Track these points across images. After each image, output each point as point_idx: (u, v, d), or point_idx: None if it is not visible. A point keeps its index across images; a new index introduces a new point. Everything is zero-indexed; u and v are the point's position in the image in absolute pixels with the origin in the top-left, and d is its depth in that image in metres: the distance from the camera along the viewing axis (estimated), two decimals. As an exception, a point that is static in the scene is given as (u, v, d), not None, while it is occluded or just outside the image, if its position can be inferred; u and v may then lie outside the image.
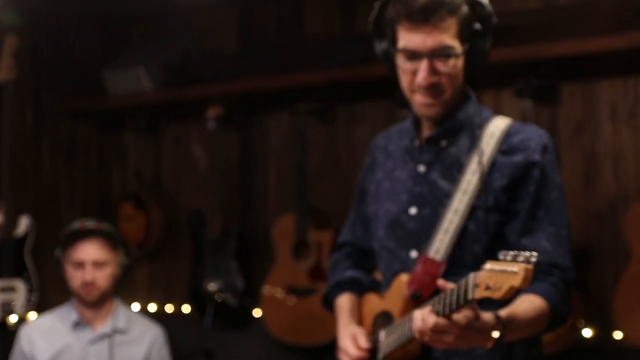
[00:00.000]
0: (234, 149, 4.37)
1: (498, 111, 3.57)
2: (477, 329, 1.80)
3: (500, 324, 1.82)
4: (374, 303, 2.27)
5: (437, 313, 1.83)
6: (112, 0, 4.26)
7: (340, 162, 4.07)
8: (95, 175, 4.76)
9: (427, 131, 2.17)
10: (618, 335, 3.32)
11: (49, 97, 4.55)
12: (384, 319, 2.19)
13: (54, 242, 3.55)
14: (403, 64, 2.06)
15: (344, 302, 2.31)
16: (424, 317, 1.83)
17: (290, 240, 3.95)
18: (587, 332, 3.37)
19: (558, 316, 2.01)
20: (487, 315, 1.82)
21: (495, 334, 1.80)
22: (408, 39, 2.02)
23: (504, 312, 1.86)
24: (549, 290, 1.99)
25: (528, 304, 1.94)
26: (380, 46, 2.14)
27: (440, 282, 1.87)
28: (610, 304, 3.28)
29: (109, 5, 4.35)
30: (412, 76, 2.05)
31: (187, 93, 4.28)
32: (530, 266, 1.63)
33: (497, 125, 2.12)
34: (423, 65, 2.01)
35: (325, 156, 4.11)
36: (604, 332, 3.37)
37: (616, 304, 3.24)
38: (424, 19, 1.99)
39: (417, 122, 2.19)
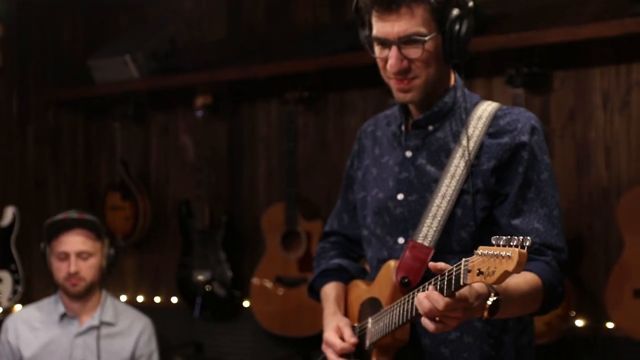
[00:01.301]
0: (222, 138, 4.33)
1: (490, 99, 3.52)
2: (474, 299, 1.77)
3: (492, 290, 1.79)
4: (361, 290, 2.24)
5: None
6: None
7: (330, 151, 4.04)
8: (81, 165, 4.72)
9: (414, 116, 2.16)
10: (610, 325, 3.31)
11: (35, 86, 4.50)
12: (372, 306, 2.16)
13: (40, 232, 3.51)
14: (377, 52, 2.08)
15: (330, 290, 2.29)
16: (431, 297, 1.76)
17: (279, 231, 3.92)
18: (579, 322, 3.36)
19: (553, 295, 1.98)
20: (477, 284, 1.77)
21: (490, 301, 1.77)
22: (378, 27, 2.04)
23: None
24: (542, 268, 1.97)
25: (521, 278, 1.90)
26: (362, 34, 2.14)
27: (431, 264, 1.83)
28: (603, 294, 3.27)
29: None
30: (385, 63, 2.06)
31: (175, 81, 4.24)
32: (524, 250, 1.60)
33: (485, 109, 2.11)
34: (392, 53, 2.03)
35: (314, 145, 4.08)
36: (596, 322, 3.36)
37: (608, 294, 3.23)
38: (389, 8, 2.00)
39: (404, 108, 2.18)
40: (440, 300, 1.74)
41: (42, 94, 4.51)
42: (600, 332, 3.35)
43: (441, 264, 1.80)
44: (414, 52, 2.02)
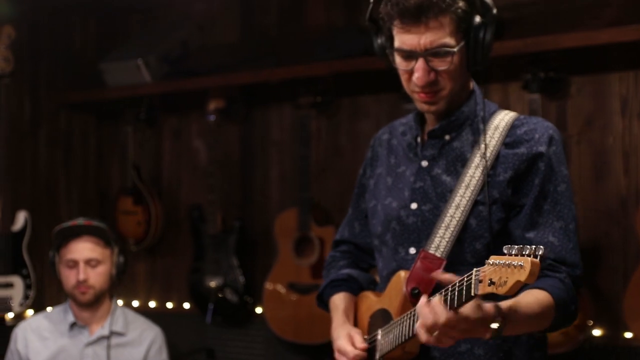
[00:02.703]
0: (234, 143, 4.30)
1: (505, 105, 3.52)
2: (478, 319, 1.73)
3: (500, 314, 1.75)
4: (371, 301, 2.21)
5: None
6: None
7: (343, 156, 4.00)
8: (93, 169, 4.70)
9: (430, 125, 2.13)
10: (628, 335, 3.25)
11: (47, 89, 4.49)
12: (382, 318, 2.12)
13: (51, 237, 3.48)
14: (400, 64, 2.03)
15: (339, 301, 2.26)
16: (434, 310, 1.73)
17: (292, 236, 3.88)
18: (596, 332, 3.30)
19: (565, 313, 1.94)
20: (487, 306, 1.74)
21: (494, 325, 1.72)
22: (402, 39, 1.99)
23: (505, 304, 1.79)
24: (555, 286, 1.93)
25: (531, 298, 1.87)
26: (377, 42, 2.10)
27: (434, 273, 1.79)
28: (621, 303, 3.21)
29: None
30: (410, 75, 2.02)
31: (187, 85, 4.21)
32: (537, 260, 1.56)
33: (502, 119, 2.08)
34: (419, 65, 1.98)
35: (327, 150, 4.04)
36: (613, 332, 3.30)
37: (626, 304, 3.17)
38: (416, 19, 1.95)
39: (420, 117, 2.14)
40: (442, 314, 1.71)
41: (54, 97, 4.50)
42: (618, 341, 3.29)
43: (447, 275, 1.76)
44: (442, 64, 1.98)
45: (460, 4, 1.96)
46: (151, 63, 4.22)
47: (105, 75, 4.36)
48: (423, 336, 1.76)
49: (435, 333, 1.75)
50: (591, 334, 3.30)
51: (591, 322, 3.28)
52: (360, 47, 3.67)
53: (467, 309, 1.71)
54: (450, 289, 1.74)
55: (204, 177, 4.23)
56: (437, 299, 1.74)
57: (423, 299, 1.78)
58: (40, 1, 4.28)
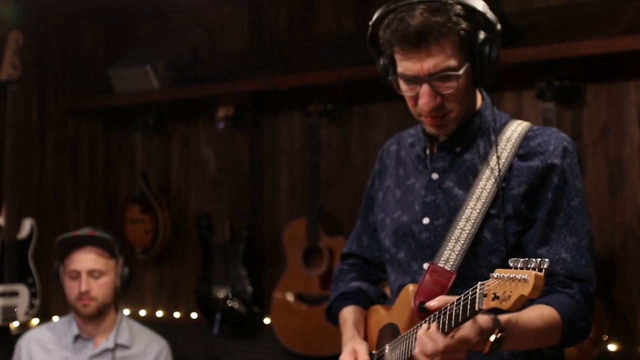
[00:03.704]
0: (243, 151, 4.25)
1: (519, 113, 3.46)
2: (478, 339, 1.70)
3: (498, 327, 1.71)
4: (380, 315, 2.15)
5: (443, 326, 1.72)
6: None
7: (354, 165, 3.94)
8: (101, 177, 4.66)
9: (441, 137, 2.06)
10: (644, 350, 3.18)
11: (54, 95, 4.45)
12: (390, 332, 2.07)
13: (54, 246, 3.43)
14: (405, 90, 1.97)
15: (348, 314, 2.20)
16: (432, 338, 1.71)
17: (301, 246, 3.83)
18: (611, 347, 3.24)
19: (573, 330, 1.89)
20: (485, 319, 1.71)
21: (492, 338, 1.69)
22: (405, 65, 1.92)
23: (504, 316, 1.75)
24: (563, 302, 1.88)
25: (535, 313, 1.83)
26: (379, 65, 2.04)
27: (428, 304, 1.76)
28: (636, 318, 3.14)
29: (116, 2, 4.24)
30: (416, 101, 1.96)
31: (196, 92, 4.17)
32: (540, 273, 1.52)
33: (515, 129, 2.01)
34: (423, 91, 1.92)
35: (337, 159, 3.98)
36: (629, 347, 3.23)
37: (642, 318, 3.10)
38: (416, 45, 1.89)
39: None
40: (440, 341, 1.68)
41: (62, 103, 4.46)
42: (634, 357, 3.23)
43: (435, 304, 1.74)
44: (447, 88, 1.92)
45: (463, 25, 1.90)
46: (160, 70, 4.18)
47: (114, 81, 4.32)
48: None
49: (437, 359, 1.72)
50: (606, 348, 3.23)
51: (606, 337, 3.21)
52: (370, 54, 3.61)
53: (466, 330, 1.68)
54: (455, 303, 1.70)
55: (212, 185, 4.19)
56: (434, 328, 1.72)
57: (424, 326, 1.76)
58: (48, 7, 4.26)
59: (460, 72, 1.90)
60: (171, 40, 4.35)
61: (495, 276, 1.57)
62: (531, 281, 1.50)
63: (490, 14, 1.95)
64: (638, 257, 3.26)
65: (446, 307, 1.72)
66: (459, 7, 1.90)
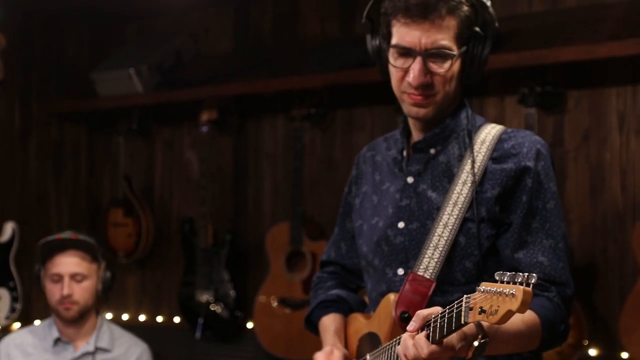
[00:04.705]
0: (227, 154, 4.24)
1: (502, 119, 3.47)
2: (461, 345, 1.68)
3: (481, 332, 1.69)
4: (360, 324, 2.13)
5: (427, 337, 1.69)
6: (104, 0, 4.14)
7: (337, 169, 3.94)
8: (84, 180, 4.64)
9: (416, 138, 2.05)
10: (624, 355, 3.19)
11: (37, 98, 4.43)
12: (370, 342, 2.05)
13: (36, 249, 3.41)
14: (395, 61, 1.95)
15: (329, 322, 2.18)
16: (417, 344, 1.69)
17: (284, 251, 3.83)
18: (592, 352, 3.25)
19: (552, 333, 1.88)
20: (468, 325, 1.68)
21: (476, 343, 1.67)
22: (403, 35, 1.91)
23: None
24: (543, 305, 1.87)
25: (516, 316, 1.78)
26: (372, 43, 2.02)
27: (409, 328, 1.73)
28: (617, 323, 3.16)
29: (100, 4, 4.23)
30: (404, 74, 1.94)
31: (180, 96, 4.16)
32: (529, 289, 1.50)
33: (489, 132, 2.00)
34: (416, 64, 1.90)
35: (321, 163, 3.98)
36: (609, 352, 3.25)
37: (622, 323, 3.12)
38: (422, 15, 1.88)
39: (406, 131, 2.07)
40: (424, 347, 1.66)
41: (45, 106, 4.44)
42: (614, 362, 3.24)
43: (417, 325, 1.71)
44: (439, 67, 1.91)
45: (466, 8, 1.91)
46: (143, 73, 4.17)
47: (97, 84, 4.31)
48: None
49: None
50: (587, 353, 3.24)
51: (586, 342, 3.22)
52: (355, 59, 3.62)
53: (452, 338, 1.66)
54: (439, 316, 1.67)
55: (196, 189, 4.18)
56: (422, 334, 1.70)
57: (410, 327, 1.73)
58: (32, 9, 4.24)
59: (455, 53, 1.90)
60: (155, 44, 4.34)
61: (482, 289, 1.55)
62: (519, 296, 1.48)
63: (492, 10, 1.95)
64: (619, 262, 3.28)
65: (430, 320, 1.69)
66: None
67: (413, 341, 1.70)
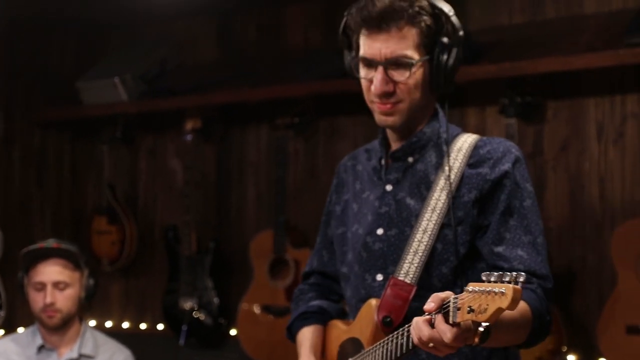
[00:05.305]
0: (211, 163, 4.27)
1: (482, 129, 3.52)
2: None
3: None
4: (339, 330, 2.16)
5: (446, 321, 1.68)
6: (89, 8, 4.16)
7: (320, 178, 3.98)
8: (67, 188, 4.65)
9: (394, 147, 2.10)
10: (602, 361, 3.24)
11: (21, 106, 4.43)
12: (352, 347, 2.08)
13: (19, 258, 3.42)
14: (362, 73, 2.02)
15: (307, 335, 2.19)
16: (439, 328, 1.64)
17: (267, 258, 3.85)
18: (570, 358, 3.29)
19: (541, 324, 1.91)
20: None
21: (481, 328, 1.64)
22: (366, 47, 1.99)
23: None
24: (530, 296, 1.90)
25: None
26: (348, 57, 2.08)
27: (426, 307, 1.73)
28: (595, 329, 3.20)
29: (85, 13, 4.25)
30: (370, 84, 2.00)
31: (164, 104, 4.19)
32: (518, 287, 1.52)
33: (465, 140, 2.06)
34: (378, 74, 1.97)
35: (304, 172, 4.02)
36: (588, 358, 3.29)
37: (600, 330, 3.16)
38: (380, 27, 1.95)
39: (385, 141, 2.12)
40: (447, 332, 1.62)
41: (29, 114, 4.44)
42: (593, 368, 3.29)
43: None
44: (400, 75, 1.97)
45: (426, 18, 1.96)
46: (128, 81, 4.20)
47: (82, 93, 4.33)
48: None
49: (431, 345, 1.68)
50: (565, 359, 3.29)
51: (565, 348, 3.27)
52: (338, 68, 3.63)
53: (468, 321, 1.62)
54: (452, 301, 1.65)
55: (180, 197, 4.20)
56: (438, 317, 1.64)
57: (427, 306, 1.68)
58: (17, 17, 4.25)
59: (414, 61, 1.95)
60: (140, 53, 4.37)
61: (470, 289, 1.57)
62: (509, 294, 1.51)
63: (455, 19, 2.00)
64: (597, 270, 3.33)
65: (449, 302, 1.66)
66: (426, 2, 1.96)
67: (431, 324, 1.66)
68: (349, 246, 2.15)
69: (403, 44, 1.95)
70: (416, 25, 1.95)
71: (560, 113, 3.42)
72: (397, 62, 1.96)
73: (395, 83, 1.97)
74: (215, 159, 4.27)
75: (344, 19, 2.06)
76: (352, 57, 2.05)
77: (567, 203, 3.41)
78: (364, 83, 2.02)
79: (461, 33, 2.01)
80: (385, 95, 1.98)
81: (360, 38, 2.00)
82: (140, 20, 4.39)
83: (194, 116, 4.09)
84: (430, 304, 1.67)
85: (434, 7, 1.97)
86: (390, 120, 2.02)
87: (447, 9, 1.99)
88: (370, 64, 1.98)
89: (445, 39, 1.98)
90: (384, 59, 1.96)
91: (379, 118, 2.03)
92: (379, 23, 1.94)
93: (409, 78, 1.96)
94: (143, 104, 4.23)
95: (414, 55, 1.96)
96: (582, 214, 3.37)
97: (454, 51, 1.99)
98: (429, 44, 1.97)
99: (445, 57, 1.98)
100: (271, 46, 4.16)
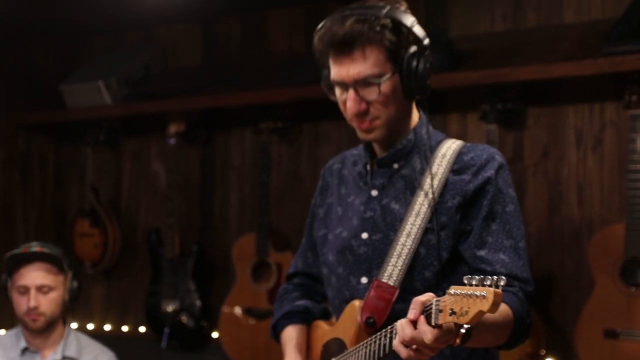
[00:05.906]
0: (194, 166, 4.29)
1: (464, 135, 3.57)
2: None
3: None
4: (323, 331, 2.19)
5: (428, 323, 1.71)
6: (73, 12, 4.17)
7: (303, 182, 4.01)
8: (51, 191, 4.66)
9: (379, 154, 2.14)
10: (580, 365, 3.28)
11: (5, 109, 4.43)
12: (335, 347, 2.11)
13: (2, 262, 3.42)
14: (337, 93, 2.06)
15: (292, 333, 2.23)
16: (420, 329, 1.67)
17: (250, 261, 3.88)
18: (549, 361, 3.34)
19: (522, 326, 1.94)
20: None
21: (462, 330, 1.68)
22: (335, 70, 2.03)
23: None
24: (511, 299, 1.94)
25: None
26: (323, 75, 2.12)
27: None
28: (573, 333, 3.25)
29: (69, 16, 4.26)
30: (345, 105, 2.05)
31: (148, 108, 4.20)
32: (499, 290, 1.56)
33: (450, 146, 2.10)
34: (349, 95, 2.01)
35: (288, 176, 4.05)
36: (566, 361, 3.34)
37: (578, 334, 3.21)
38: (342, 51, 1.99)
39: (369, 147, 2.16)
40: (428, 333, 1.67)
41: (12, 117, 4.45)
42: (571, 371, 3.33)
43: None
44: (370, 94, 2.00)
45: (388, 35, 1.99)
46: (112, 85, 4.21)
47: (66, 96, 4.34)
48: (402, 352, 1.73)
49: (414, 346, 1.72)
50: (544, 362, 3.33)
51: (544, 352, 3.31)
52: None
53: (450, 323, 1.66)
54: (434, 303, 1.69)
55: (163, 200, 4.22)
56: (421, 319, 1.69)
57: (411, 315, 1.71)
58: (0, 21, 4.25)
59: (380, 80, 1.98)
60: (124, 57, 4.38)
61: (452, 292, 1.61)
62: (490, 297, 1.54)
63: (417, 29, 2.03)
64: (575, 275, 3.38)
65: (431, 305, 1.69)
66: (387, 20, 1.99)
67: (415, 327, 1.69)
68: (328, 247, 2.18)
69: (367, 64, 1.98)
70: (379, 44, 1.98)
71: (540, 120, 3.47)
72: (365, 82, 1.99)
73: (367, 102, 2.01)
74: (199, 163, 4.29)
75: (313, 40, 2.09)
76: (325, 77, 2.09)
77: (546, 208, 3.45)
78: (340, 104, 2.06)
79: (426, 42, 2.04)
80: (359, 115, 2.02)
81: (330, 60, 2.04)
82: (125, 24, 4.40)
83: (178, 120, 4.12)
84: (412, 312, 1.70)
85: (395, 22, 2.00)
86: (370, 136, 2.06)
87: (409, 22, 2.01)
88: (342, 86, 2.02)
89: (412, 49, 2.01)
90: (352, 81, 1.99)
91: (360, 135, 2.08)
92: (342, 47, 1.98)
93: (380, 95, 2.00)
94: (127, 107, 4.24)
95: (379, 72, 1.99)
96: (561, 219, 3.42)
97: (422, 58, 2.02)
98: (395, 57, 2.01)
99: (414, 64, 2.01)
100: (255, 51, 4.19)
